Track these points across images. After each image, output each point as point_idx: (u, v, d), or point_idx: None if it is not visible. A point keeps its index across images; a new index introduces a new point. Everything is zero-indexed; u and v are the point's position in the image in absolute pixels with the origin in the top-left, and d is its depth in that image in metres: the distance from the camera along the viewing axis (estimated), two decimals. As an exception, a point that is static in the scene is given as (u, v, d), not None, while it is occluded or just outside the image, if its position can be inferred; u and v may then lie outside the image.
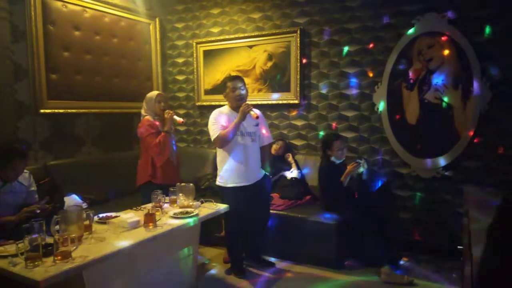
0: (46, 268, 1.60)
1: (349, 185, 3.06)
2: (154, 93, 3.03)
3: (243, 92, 2.78)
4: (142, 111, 3.01)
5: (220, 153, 2.82)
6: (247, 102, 2.71)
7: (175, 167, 3.02)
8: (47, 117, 3.30)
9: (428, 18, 3.13)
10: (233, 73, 4.08)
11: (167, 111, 2.91)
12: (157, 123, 2.92)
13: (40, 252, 1.65)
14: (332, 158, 3.08)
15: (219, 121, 2.72)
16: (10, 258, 1.68)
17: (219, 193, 2.92)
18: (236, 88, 2.75)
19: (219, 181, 2.84)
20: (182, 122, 2.97)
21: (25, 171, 2.41)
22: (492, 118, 2.97)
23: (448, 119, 3.11)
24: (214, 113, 2.78)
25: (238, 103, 2.72)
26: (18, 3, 3.04)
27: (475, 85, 2.97)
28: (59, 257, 1.66)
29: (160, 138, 2.82)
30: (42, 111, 3.23)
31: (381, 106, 3.37)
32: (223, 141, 2.68)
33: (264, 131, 2.93)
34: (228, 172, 2.77)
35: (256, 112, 2.67)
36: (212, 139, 2.73)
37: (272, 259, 3.14)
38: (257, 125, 2.82)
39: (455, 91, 3.08)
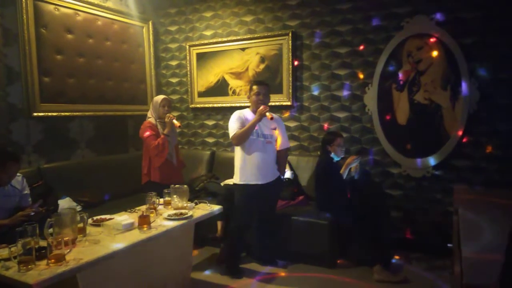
0: (40, 272, 1.60)
1: (343, 182, 3.11)
2: (160, 97, 3.18)
3: (266, 98, 2.89)
4: (148, 113, 3.21)
5: (237, 152, 2.93)
6: (265, 105, 2.81)
7: (176, 167, 3.18)
8: (40, 120, 3.29)
9: (417, 20, 3.19)
10: (226, 76, 4.12)
11: (167, 114, 3.07)
12: (158, 126, 3.11)
13: (33, 255, 1.65)
14: (332, 155, 3.13)
15: (238, 120, 2.85)
16: (3, 262, 1.68)
17: (231, 192, 3.03)
18: (260, 93, 2.87)
19: (234, 178, 2.96)
20: (179, 126, 3.11)
21: (18, 174, 2.41)
22: (480, 118, 3.03)
23: (437, 119, 3.17)
24: (235, 114, 2.91)
25: (258, 106, 2.82)
26: (9, 6, 3.04)
27: (464, 86, 3.03)
28: (52, 260, 1.66)
29: (159, 140, 3.00)
30: (35, 114, 3.22)
31: (372, 107, 3.42)
32: (239, 139, 2.81)
33: (281, 136, 3.00)
34: (241, 169, 2.88)
35: (272, 114, 2.79)
36: (230, 137, 2.87)
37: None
38: (274, 128, 2.93)
39: (444, 91, 3.14)
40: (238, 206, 2.91)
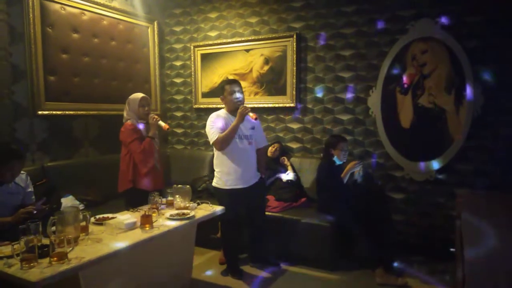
0: (42, 270, 1.61)
1: (344, 186, 3.10)
2: (138, 95, 2.85)
3: (241, 95, 2.82)
4: (124, 114, 2.88)
5: (218, 155, 2.85)
6: (244, 105, 2.76)
7: (159, 172, 2.92)
8: (45, 118, 3.31)
9: (422, 23, 3.18)
10: (231, 77, 4.11)
11: (151, 115, 2.79)
12: (140, 127, 2.80)
13: (36, 253, 1.66)
14: (334, 158, 3.12)
15: (217, 124, 2.75)
16: (6, 259, 1.69)
17: (215, 194, 2.96)
18: (234, 91, 2.79)
19: (216, 183, 2.88)
20: (168, 128, 2.85)
21: (22, 172, 2.42)
22: (484, 122, 3.01)
23: (441, 123, 3.16)
24: (212, 117, 2.81)
25: (236, 106, 2.76)
26: (16, 5, 3.06)
27: (468, 90, 3.02)
28: (55, 258, 1.67)
29: (145, 144, 2.73)
30: (40, 112, 3.24)
31: (376, 110, 3.41)
32: (222, 144, 2.71)
33: (259, 134, 2.98)
34: (225, 174, 2.81)
35: (254, 113, 2.71)
36: (211, 142, 2.77)
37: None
38: (253, 128, 2.87)
39: (448, 95, 3.12)
40: (224, 212, 2.76)
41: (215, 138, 2.71)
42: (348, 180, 3.11)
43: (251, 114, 2.67)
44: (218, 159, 2.86)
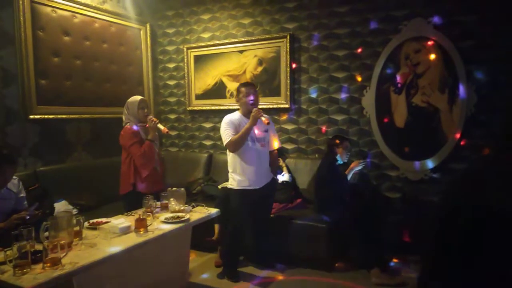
0: (35, 276, 1.59)
1: (343, 185, 3.11)
2: (136, 98, 2.87)
3: (256, 98, 2.87)
4: (124, 118, 2.88)
5: (232, 157, 2.88)
6: (258, 108, 2.78)
7: (159, 174, 2.95)
8: (37, 122, 3.27)
9: (415, 23, 3.20)
10: (224, 78, 4.12)
11: (149, 118, 2.78)
12: (140, 131, 2.80)
13: (29, 259, 1.64)
14: (337, 157, 3.13)
15: (230, 126, 2.79)
16: (-2, 266, 1.67)
17: (229, 195, 2.96)
18: (249, 93, 2.83)
19: (230, 183, 2.92)
20: (167, 132, 2.86)
21: (14, 177, 2.38)
22: (477, 120, 3.03)
23: (435, 122, 3.17)
24: (226, 119, 2.85)
25: (250, 108, 2.79)
26: (6, 8, 3.03)
27: (461, 89, 3.04)
28: (48, 264, 1.65)
29: (145, 147, 2.72)
30: (31, 116, 3.20)
31: (370, 110, 3.42)
32: (235, 146, 2.75)
33: (272, 136, 3.00)
34: (238, 175, 2.84)
35: (267, 117, 2.76)
36: (225, 144, 2.81)
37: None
38: (266, 131, 2.92)
39: (442, 94, 3.14)
40: (235, 210, 2.87)
41: (228, 140, 2.76)
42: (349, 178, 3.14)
43: (263, 118, 2.71)
44: (231, 160, 2.89)
